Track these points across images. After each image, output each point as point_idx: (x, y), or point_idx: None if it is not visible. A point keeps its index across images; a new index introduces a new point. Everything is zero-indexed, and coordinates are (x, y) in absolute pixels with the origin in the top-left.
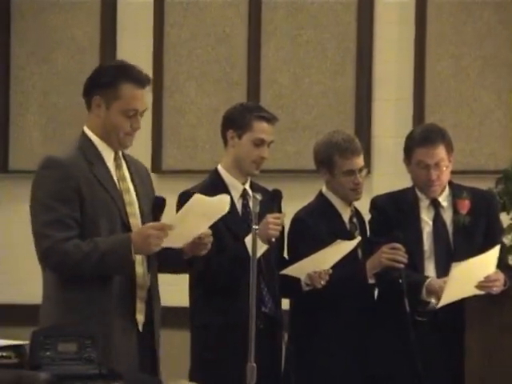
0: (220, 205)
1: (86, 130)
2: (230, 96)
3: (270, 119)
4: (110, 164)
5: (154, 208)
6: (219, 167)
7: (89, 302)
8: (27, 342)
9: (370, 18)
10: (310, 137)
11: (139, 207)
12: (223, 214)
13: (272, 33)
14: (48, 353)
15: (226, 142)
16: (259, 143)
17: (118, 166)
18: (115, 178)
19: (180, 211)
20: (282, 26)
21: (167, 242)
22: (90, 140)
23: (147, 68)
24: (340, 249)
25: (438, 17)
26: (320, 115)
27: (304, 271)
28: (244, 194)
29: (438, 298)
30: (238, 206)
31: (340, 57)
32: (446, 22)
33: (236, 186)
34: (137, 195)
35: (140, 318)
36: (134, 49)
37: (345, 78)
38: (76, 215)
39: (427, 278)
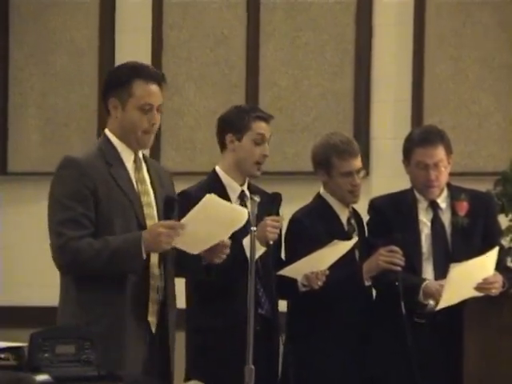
0: (237, 215)
1: (107, 131)
2: (228, 98)
3: (267, 118)
4: (130, 165)
5: (166, 207)
6: (217, 168)
7: (102, 303)
8: (26, 344)
9: (368, 19)
10: (308, 138)
11: (157, 209)
12: (240, 226)
13: (270, 34)
14: (46, 355)
15: (223, 147)
16: (260, 141)
17: (138, 168)
18: (134, 180)
19: (192, 210)
20: (280, 27)
21: (182, 244)
22: (110, 141)
23: None
24: (337, 249)
25: (437, 19)
26: (319, 117)
27: (301, 272)
28: (242, 196)
29: (436, 300)
30: None
31: (338, 58)
32: (445, 23)
33: (234, 187)
34: (155, 197)
35: (152, 320)
36: (133, 50)
37: (343, 80)
38: (91, 214)
39: (424, 280)
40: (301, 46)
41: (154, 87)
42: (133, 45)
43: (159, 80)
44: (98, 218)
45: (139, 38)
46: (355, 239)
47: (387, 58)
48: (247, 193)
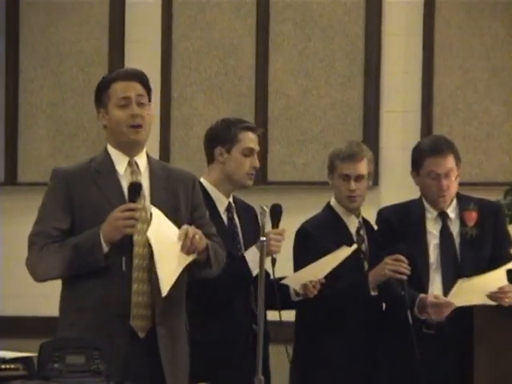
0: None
1: (107, 145)
2: (237, 108)
3: (254, 129)
4: (122, 171)
5: (130, 192)
6: (203, 180)
7: (77, 308)
8: (35, 354)
9: (377, 29)
10: (317, 149)
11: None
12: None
13: (280, 45)
14: (56, 365)
15: (211, 160)
16: (248, 153)
17: (133, 172)
18: (124, 185)
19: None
20: (289, 37)
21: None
22: (107, 150)
23: (155, 80)
24: (336, 256)
25: (446, 29)
26: (328, 127)
27: (301, 281)
28: (229, 208)
29: (430, 315)
30: (224, 219)
31: (348, 69)
32: (454, 34)
33: (221, 199)
34: (152, 201)
35: (140, 324)
36: (142, 61)
37: (352, 90)
38: (63, 226)
39: (419, 294)
40: (310, 56)
41: (128, 83)
42: (142, 55)
43: (134, 76)
44: (75, 225)
45: (148, 49)
46: (354, 246)
47: (396, 69)
48: (233, 205)
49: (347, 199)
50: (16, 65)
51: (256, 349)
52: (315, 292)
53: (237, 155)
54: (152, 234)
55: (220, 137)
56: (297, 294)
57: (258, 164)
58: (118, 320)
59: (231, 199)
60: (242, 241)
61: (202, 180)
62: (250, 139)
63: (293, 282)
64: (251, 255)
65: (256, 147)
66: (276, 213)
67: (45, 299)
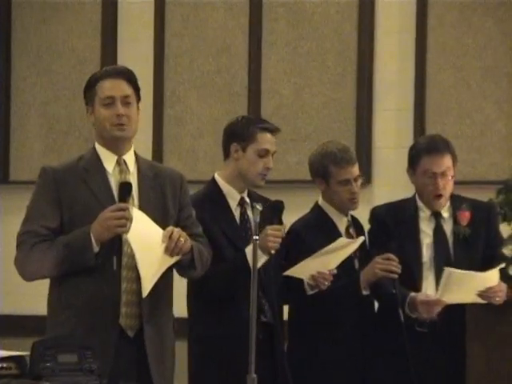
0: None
1: (95, 143)
2: (230, 106)
3: (273, 130)
4: (111, 169)
5: (120, 191)
6: (216, 176)
7: (67, 306)
8: (28, 353)
9: (370, 28)
10: (310, 147)
11: (141, 211)
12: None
13: (273, 43)
14: (48, 364)
15: (227, 155)
16: (264, 154)
17: (121, 171)
18: (112, 183)
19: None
20: (282, 36)
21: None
22: (94, 148)
23: (148, 78)
24: (343, 248)
25: (439, 27)
26: (321, 126)
27: (307, 272)
28: (242, 203)
29: (421, 314)
30: (236, 214)
31: (341, 67)
32: (447, 32)
33: (233, 194)
34: (140, 200)
35: (129, 323)
36: (135, 59)
37: (345, 89)
38: (52, 224)
39: (410, 292)
40: (303, 55)
41: (112, 81)
42: (135, 54)
43: (121, 74)
44: (64, 224)
45: (141, 47)
46: (362, 238)
47: (389, 67)
48: (247, 199)
49: (349, 202)
50: (8, 63)
51: (265, 343)
52: (327, 283)
53: (251, 154)
54: (132, 235)
55: (237, 134)
56: (311, 287)
57: (271, 165)
58: (108, 319)
59: (245, 194)
60: (256, 237)
61: (216, 175)
62: (266, 140)
63: (297, 272)
64: (251, 251)
65: (272, 149)
66: (277, 209)
67: (38, 298)
